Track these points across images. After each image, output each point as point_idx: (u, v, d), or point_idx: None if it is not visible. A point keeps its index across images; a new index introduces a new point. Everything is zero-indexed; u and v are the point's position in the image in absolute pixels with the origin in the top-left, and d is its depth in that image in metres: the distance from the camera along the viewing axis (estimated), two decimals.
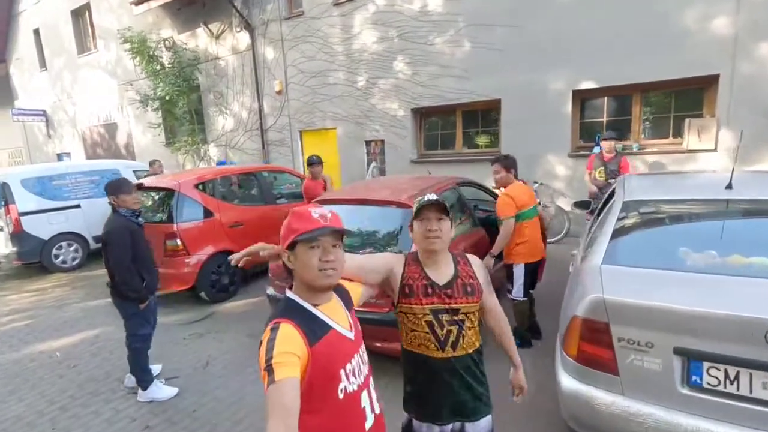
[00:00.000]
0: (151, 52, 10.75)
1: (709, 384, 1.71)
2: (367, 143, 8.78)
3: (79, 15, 14.22)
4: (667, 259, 2.09)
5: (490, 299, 1.66)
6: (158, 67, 10.83)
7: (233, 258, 1.45)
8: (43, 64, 15.85)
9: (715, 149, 5.69)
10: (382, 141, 8.54)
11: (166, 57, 11.01)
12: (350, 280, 1.47)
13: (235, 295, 5.26)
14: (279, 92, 9.74)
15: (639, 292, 1.88)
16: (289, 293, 1.26)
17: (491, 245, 3.98)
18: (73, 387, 3.44)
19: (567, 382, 2.03)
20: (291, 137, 9.88)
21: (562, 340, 2.15)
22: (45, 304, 5.52)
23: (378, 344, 2.92)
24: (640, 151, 6.25)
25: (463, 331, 1.53)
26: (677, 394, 1.75)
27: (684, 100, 6.10)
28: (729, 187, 2.39)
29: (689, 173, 4.23)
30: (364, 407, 1.27)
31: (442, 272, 1.56)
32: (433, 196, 1.55)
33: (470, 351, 1.55)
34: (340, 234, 1.24)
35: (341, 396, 1.18)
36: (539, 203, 4.90)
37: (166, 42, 11.10)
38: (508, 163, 3.45)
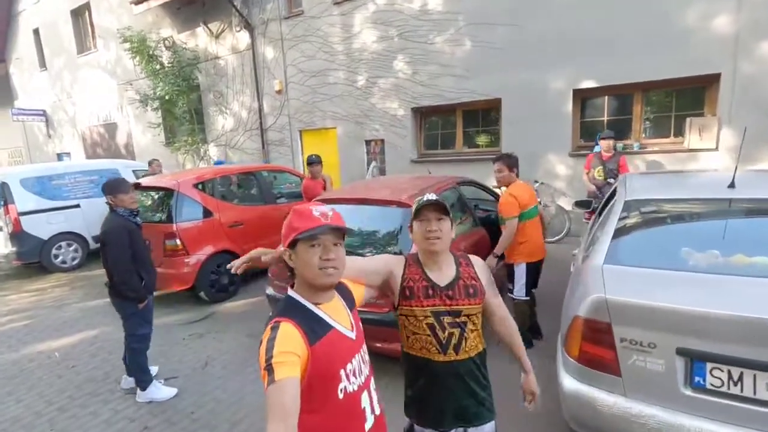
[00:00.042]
0: (150, 52, 10.74)
1: (712, 385, 1.69)
2: (367, 143, 8.77)
3: (79, 14, 14.21)
4: (669, 258, 2.07)
5: (495, 301, 1.62)
6: (158, 67, 10.82)
7: (233, 265, 1.43)
8: (42, 63, 15.84)
9: (717, 148, 5.67)
10: (382, 140, 8.52)
11: (165, 56, 11.00)
12: (352, 282, 1.46)
13: (234, 295, 5.25)
14: (279, 92, 9.72)
15: (641, 292, 1.86)
16: (290, 292, 1.25)
17: (492, 245, 3.97)
18: (72, 387, 3.43)
19: (568, 382, 2.01)
20: (291, 137, 9.87)
21: (564, 340, 2.13)
22: (44, 304, 5.51)
23: (378, 344, 2.90)
24: (641, 150, 6.23)
25: (466, 334, 1.49)
26: (680, 395, 1.74)
27: (685, 99, 6.08)
28: (732, 186, 2.37)
29: (691, 172, 4.20)
30: (364, 408, 1.26)
31: (443, 273, 1.53)
32: (432, 196, 1.52)
33: (473, 354, 1.52)
34: (341, 232, 1.23)
35: (341, 396, 1.17)
36: (539, 203, 4.88)
37: (166, 41, 11.08)
38: (510, 162, 3.42)
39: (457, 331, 1.49)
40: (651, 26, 5.74)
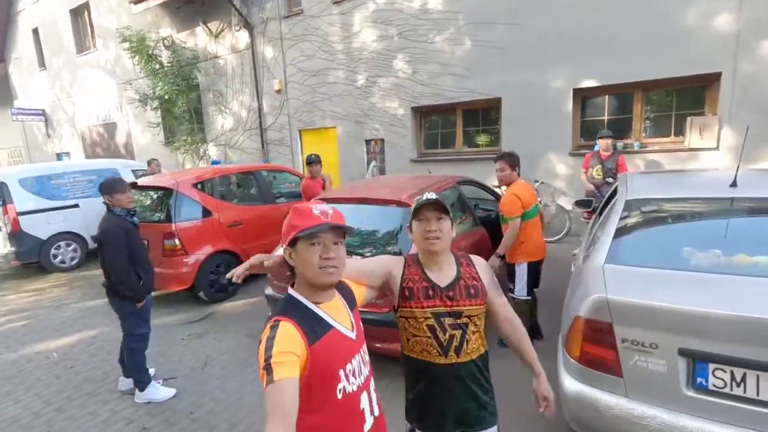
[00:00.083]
0: (150, 51, 10.73)
1: (714, 386, 1.68)
2: (367, 142, 8.75)
3: (78, 14, 14.19)
4: (671, 258, 2.05)
5: (498, 301, 1.57)
6: (157, 66, 10.81)
7: (235, 273, 1.36)
8: (42, 63, 15.82)
9: (717, 147, 5.65)
10: (382, 140, 8.51)
11: (165, 56, 10.99)
12: (354, 282, 1.45)
13: (234, 295, 5.23)
14: (278, 91, 9.70)
15: (643, 292, 1.85)
16: (290, 291, 1.25)
17: (492, 244, 3.96)
18: (70, 388, 3.41)
19: (569, 383, 2.00)
20: (290, 136, 9.85)
21: (564, 340, 2.11)
22: (43, 304, 5.49)
23: (378, 345, 2.89)
24: (642, 149, 6.21)
25: (467, 336, 1.46)
26: (682, 396, 1.72)
27: (686, 98, 6.06)
28: (734, 185, 2.36)
29: (692, 171, 4.19)
30: (363, 409, 1.25)
31: (443, 274, 1.50)
32: (432, 195, 1.49)
33: (475, 357, 1.48)
34: (341, 231, 1.22)
35: (340, 396, 1.16)
36: (540, 202, 4.87)
37: (165, 41, 11.07)
38: (513, 161, 3.40)
39: (458, 333, 1.46)
40: (651, 25, 5.73)
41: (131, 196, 3.09)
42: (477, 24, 7.02)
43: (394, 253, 3.13)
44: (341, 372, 1.17)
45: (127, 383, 3.27)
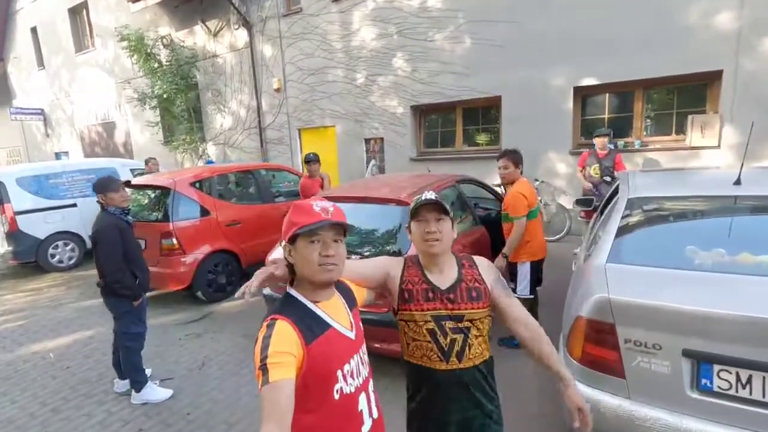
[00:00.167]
0: (148, 50, 10.70)
1: (719, 388, 1.65)
2: (366, 141, 8.72)
3: (77, 13, 14.14)
4: (674, 257, 2.02)
5: (506, 301, 1.46)
6: (156, 65, 10.78)
7: (247, 291, 1.24)
8: (40, 62, 15.77)
9: (719, 146, 5.62)
10: (382, 139, 8.47)
11: (163, 55, 10.95)
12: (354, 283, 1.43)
13: (232, 295, 5.19)
14: (277, 90, 9.66)
15: (645, 291, 1.82)
16: (289, 289, 1.22)
17: (492, 243, 3.93)
18: (66, 389, 3.38)
19: None
20: (290, 135, 9.81)
21: (566, 341, 2.08)
22: (40, 304, 5.46)
23: (377, 345, 2.86)
24: (643, 148, 6.18)
25: (469, 340, 1.40)
26: (686, 398, 1.69)
27: (687, 96, 6.03)
28: (737, 183, 2.33)
29: (695, 169, 4.16)
30: (362, 410, 1.22)
31: (444, 275, 1.44)
32: (431, 195, 1.43)
33: (478, 362, 1.42)
34: (342, 228, 1.20)
35: (337, 397, 1.14)
36: (540, 201, 4.84)
37: (164, 39, 11.04)
38: (516, 158, 3.36)
39: (459, 337, 1.40)
40: (652, 22, 5.69)
41: (125, 194, 3.08)
42: (477, 22, 6.98)
43: (393, 253, 3.10)
44: (339, 372, 1.15)
45: (122, 385, 3.24)
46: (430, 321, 1.40)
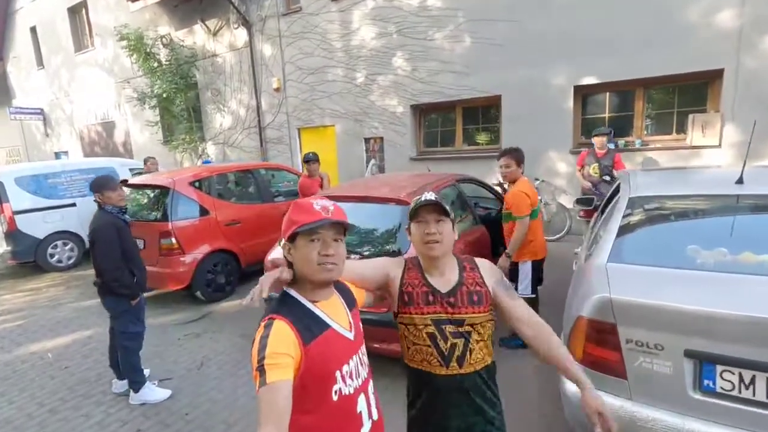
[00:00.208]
0: (148, 50, 10.66)
1: (722, 388, 1.63)
2: (366, 140, 8.70)
3: (76, 12, 14.12)
4: (675, 257, 2.00)
5: (512, 302, 1.41)
6: (155, 65, 10.75)
7: (253, 298, 1.18)
8: (40, 62, 15.75)
9: (719, 145, 5.60)
10: (381, 138, 8.45)
11: (163, 54, 10.93)
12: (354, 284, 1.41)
13: (231, 295, 5.18)
14: (277, 89, 9.64)
15: (647, 291, 1.80)
16: (287, 288, 1.21)
17: (492, 243, 3.92)
18: (65, 389, 3.37)
19: (571, 385, 1.94)
20: (289, 135, 9.79)
21: (567, 341, 2.06)
22: (38, 303, 5.44)
23: (377, 345, 2.84)
24: (643, 147, 6.16)
25: (470, 345, 1.36)
26: (689, 399, 1.67)
27: (687, 95, 6.01)
28: (740, 181, 2.31)
29: (696, 168, 4.14)
30: (361, 412, 1.21)
31: (445, 278, 1.41)
32: (431, 196, 1.39)
33: (479, 368, 1.38)
34: (342, 228, 1.19)
35: (335, 398, 1.13)
36: (540, 200, 4.83)
37: (163, 39, 11.01)
38: (518, 157, 3.34)
39: (460, 342, 1.36)
40: (653, 21, 5.67)
41: (122, 193, 3.07)
42: (477, 21, 6.96)
43: (393, 252, 3.08)
44: (337, 373, 1.14)
45: (120, 385, 3.22)
46: (430, 325, 1.38)
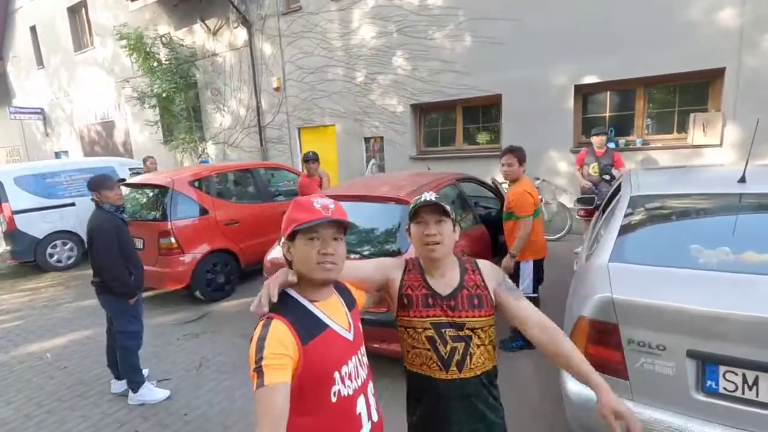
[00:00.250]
0: (147, 49, 10.65)
1: (725, 389, 1.61)
2: (366, 140, 8.68)
3: (76, 12, 14.11)
4: (677, 256, 1.98)
5: (516, 303, 1.36)
6: (155, 64, 10.74)
7: (260, 304, 1.15)
8: (40, 61, 15.75)
9: (721, 144, 5.58)
10: (381, 138, 8.44)
11: (162, 53, 10.91)
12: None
13: (231, 295, 5.17)
14: (277, 89, 9.63)
15: (649, 291, 1.78)
16: (286, 287, 1.19)
17: (492, 243, 3.90)
18: (63, 390, 3.35)
19: (573, 386, 1.93)
20: (289, 134, 9.77)
21: None
22: (38, 303, 5.43)
23: (376, 345, 2.83)
24: (644, 146, 6.14)
25: (471, 349, 1.33)
26: (691, 400, 1.65)
27: (689, 94, 5.98)
28: (742, 180, 2.29)
29: (698, 167, 4.12)
30: (360, 413, 1.19)
31: (445, 280, 1.38)
32: (431, 196, 1.35)
33: (480, 372, 1.35)
34: (342, 227, 1.17)
35: (334, 399, 1.11)
36: (541, 200, 4.81)
37: (163, 38, 10.99)
38: (521, 156, 3.33)
39: (460, 346, 1.33)
40: (654, 20, 5.65)
41: (119, 192, 3.05)
42: (477, 20, 6.94)
43: (393, 252, 3.07)
44: (336, 374, 1.12)
45: (119, 386, 3.21)
46: (429, 328, 1.35)
